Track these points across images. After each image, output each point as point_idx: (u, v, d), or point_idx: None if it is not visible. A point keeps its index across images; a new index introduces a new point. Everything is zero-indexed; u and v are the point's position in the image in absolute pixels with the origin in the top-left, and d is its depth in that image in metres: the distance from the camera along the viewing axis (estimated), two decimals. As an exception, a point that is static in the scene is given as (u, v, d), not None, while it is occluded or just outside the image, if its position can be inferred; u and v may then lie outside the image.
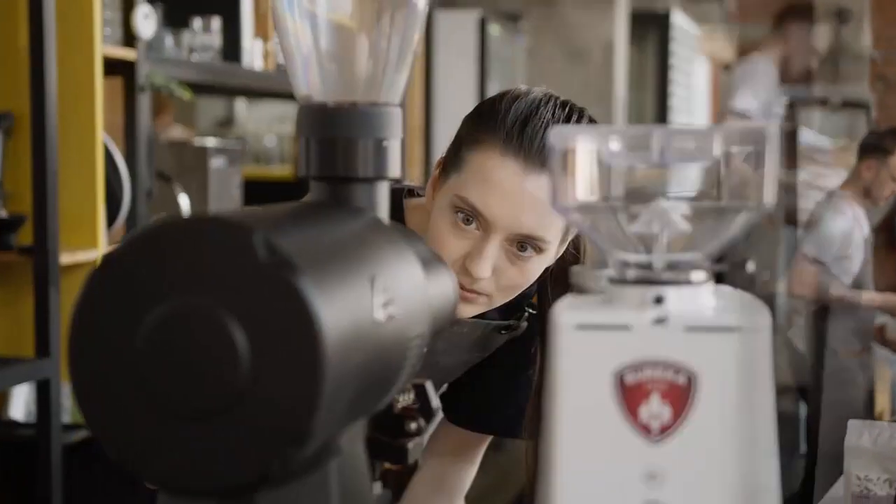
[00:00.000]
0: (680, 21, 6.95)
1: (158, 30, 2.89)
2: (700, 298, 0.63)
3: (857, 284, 3.51)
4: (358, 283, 0.60)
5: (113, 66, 2.72)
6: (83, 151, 2.54)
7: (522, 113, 1.18)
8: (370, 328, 0.60)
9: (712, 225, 0.65)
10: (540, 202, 1.15)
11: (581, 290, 0.69)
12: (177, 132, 4.54)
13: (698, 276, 0.63)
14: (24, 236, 2.44)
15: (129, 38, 2.74)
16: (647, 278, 0.63)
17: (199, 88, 3.41)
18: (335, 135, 0.69)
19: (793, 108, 4.35)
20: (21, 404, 2.79)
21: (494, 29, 5.08)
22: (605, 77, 5.75)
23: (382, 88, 0.71)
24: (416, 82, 4.66)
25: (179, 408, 0.56)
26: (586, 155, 0.64)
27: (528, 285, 1.23)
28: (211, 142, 3.33)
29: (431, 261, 0.75)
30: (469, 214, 1.18)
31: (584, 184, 0.64)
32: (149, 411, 0.56)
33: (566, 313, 0.62)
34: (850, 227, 3.44)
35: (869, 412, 3.40)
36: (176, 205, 2.97)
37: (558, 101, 1.21)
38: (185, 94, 2.88)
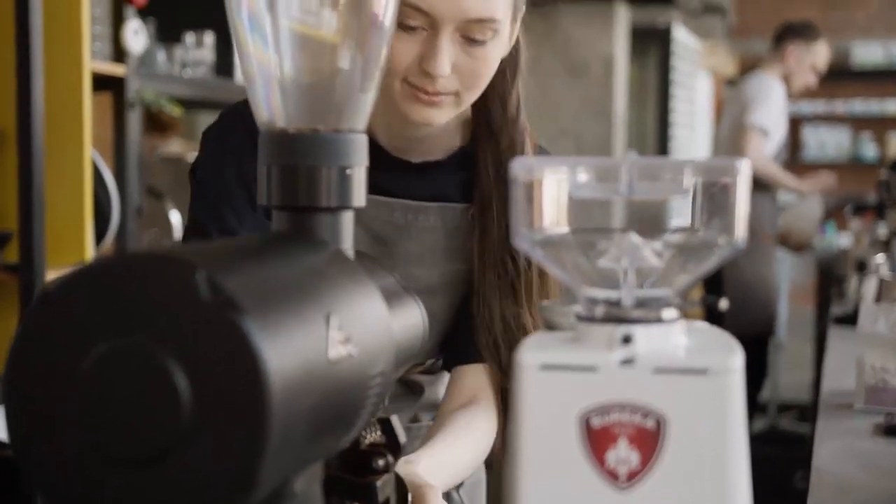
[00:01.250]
0: (681, 36, 6.92)
1: (151, 45, 2.87)
2: (670, 337, 0.60)
3: None
4: (311, 321, 0.57)
5: (103, 82, 2.70)
6: (71, 167, 2.52)
7: None
8: (324, 368, 0.58)
9: (685, 260, 0.62)
10: None
11: (550, 327, 0.66)
12: (175, 147, 4.52)
13: (669, 313, 0.60)
14: (10, 253, 2.41)
15: (120, 54, 2.72)
16: (616, 316, 0.60)
17: (191, 104, 3.38)
18: (297, 162, 0.67)
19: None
20: (4, 424, 2.76)
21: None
22: (605, 92, 5.72)
23: (346, 114, 0.68)
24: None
25: (118, 452, 0.53)
26: (552, 186, 0.61)
27: (492, 74, 1.20)
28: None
29: (397, 295, 0.72)
30: (410, 17, 1.14)
31: (550, 216, 0.62)
32: (87, 456, 0.54)
33: (530, 353, 0.59)
34: None
35: None
36: (167, 221, 2.94)
37: None
38: (176, 111, 2.85)
